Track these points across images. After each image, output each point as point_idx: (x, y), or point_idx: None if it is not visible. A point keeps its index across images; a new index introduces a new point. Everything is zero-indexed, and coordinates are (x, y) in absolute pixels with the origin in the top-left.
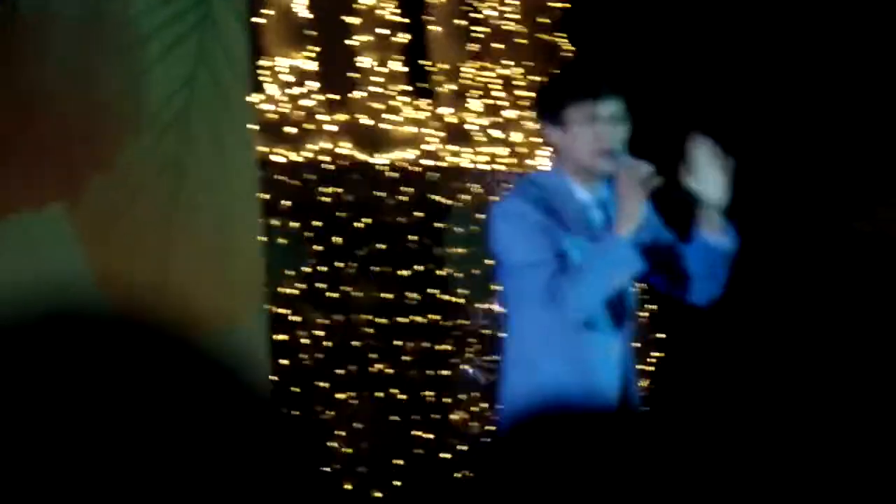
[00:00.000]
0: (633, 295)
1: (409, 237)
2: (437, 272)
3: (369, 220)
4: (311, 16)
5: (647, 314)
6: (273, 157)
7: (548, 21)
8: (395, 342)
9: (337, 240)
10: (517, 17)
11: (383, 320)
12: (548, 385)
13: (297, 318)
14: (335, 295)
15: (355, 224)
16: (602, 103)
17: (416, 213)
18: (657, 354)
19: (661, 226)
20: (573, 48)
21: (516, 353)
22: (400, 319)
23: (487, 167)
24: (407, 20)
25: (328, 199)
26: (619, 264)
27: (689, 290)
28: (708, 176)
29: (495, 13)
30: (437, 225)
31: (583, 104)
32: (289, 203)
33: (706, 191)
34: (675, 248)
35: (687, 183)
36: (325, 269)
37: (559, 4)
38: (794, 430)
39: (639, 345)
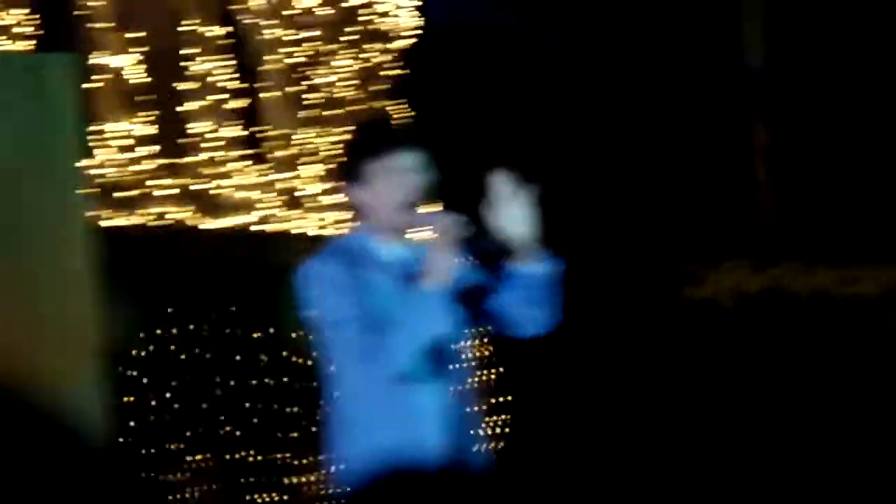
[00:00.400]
0: (452, 346)
1: (251, 300)
2: (287, 335)
3: (207, 284)
4: (143, 80)
5: (493, 376)
6: (106, 223)
7: (384, 87)
8: (245, 404)
9: (177, 304)
10: (353, 83)
11: (232, 382)
12: (372, 442)
13: (145, 380)
14: (183, 357)
15: (199, 288)
16: (399, 156)
17: (251, 277)
18: (504, 417)
19: (471, 269)
20: (412, 113)
21: (340, 413)
22: (250, 382)
23: (321, 231)
24: (243, 86)
25: (164, 263)
26: (430, 317)
27: (518, 323)
28: (511, 210)
29: (330, 80)
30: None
31: (382, 158)
32: (126, 267)
33: (510, 225)
34: (490, 288)
35: (492, 220)
36: (175, 331)
37: (394, 72)
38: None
39: (484, 406)
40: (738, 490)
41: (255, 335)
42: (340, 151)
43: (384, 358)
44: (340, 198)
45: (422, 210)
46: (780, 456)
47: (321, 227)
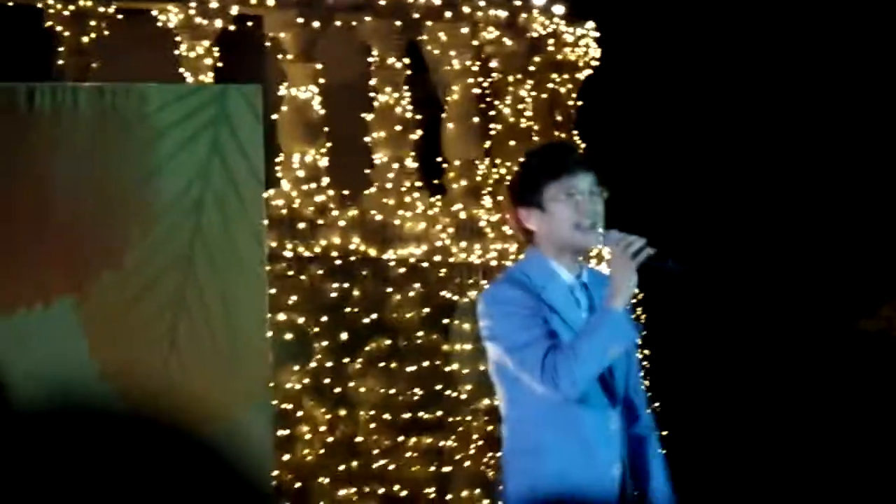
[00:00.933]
0: (622, 373)
1: (417, 333)
2: (444, 368)
3: (375, 316)
4: (324, 112)
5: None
6: (283, 252)
7: (561, 119)
8: (399, 438)
9: (343, 335)
10: (531, 114)
11: (387, 416)
12: (552, 465)
13: (300, 413)
14: (338, 390)
15: (363, 319)
16: (577, 178)
17: (424, 309)
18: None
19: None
20: (585, 145)
21: (518, 439)
22: (404, 415)
23: (496, 263)
24: (420, 116)
25: (335, 294)
26: (616, 336)
27: None
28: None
29: (510, 111)
30: (444, 321)
31: (558, 181)
32: (296, 298)
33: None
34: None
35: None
36: (330, 364)
37: (572, 103)
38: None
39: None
40: None
41: (409, 369)
42: (515, 177)
43: (567, 377)
44: (512, 225)
45: (599, 231)
46: None
47: (499, 258)
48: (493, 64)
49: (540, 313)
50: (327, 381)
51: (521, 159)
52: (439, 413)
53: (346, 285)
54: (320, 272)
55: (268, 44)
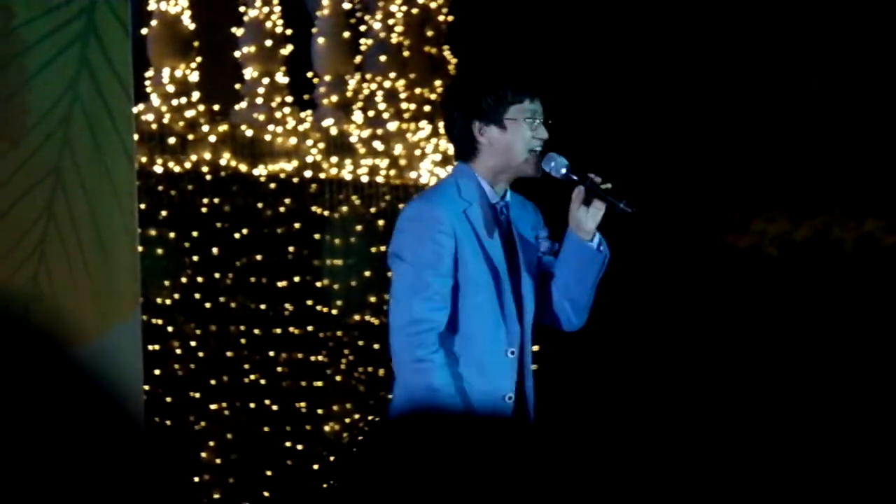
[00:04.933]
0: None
1: (288, 248)
2: (315, 283)
3: (246, 231)
4: (195, 27)
5: None
6: (153, 167)
7: (433, 34)
8: (270, 353)
9: (214, 250)
10: (402, 29)
11: (257, 331)
12: (441, 381)
13: (171, 328)
14: (209, 305)
15: (234, 234)
16: (536, 103)
17: (294, 224)
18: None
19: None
20: (456, 60)
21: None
22: (275, 330)
23: (367, 179)
24: (290, 31)
25: (206, 210)
26: (602, 266)
27: (567, 306)
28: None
29: (380, 25)
30: (315, 236)
31: (521, 103)
32: (166, 213)
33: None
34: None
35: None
36: (201, 279)
37: (443, 18)
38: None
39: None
40: (773, 447)
41: (279, 284)
42: (471, 90)
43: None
44: (455, 135)
45: (553, 159)
46: (821, 408)
47: (370, 174)
48: None
49: (451, 246)
50: (198, 296)
51: (481, 75)
52: (310, 328)
53: (216, 200)
54: (191, 187)
55: None
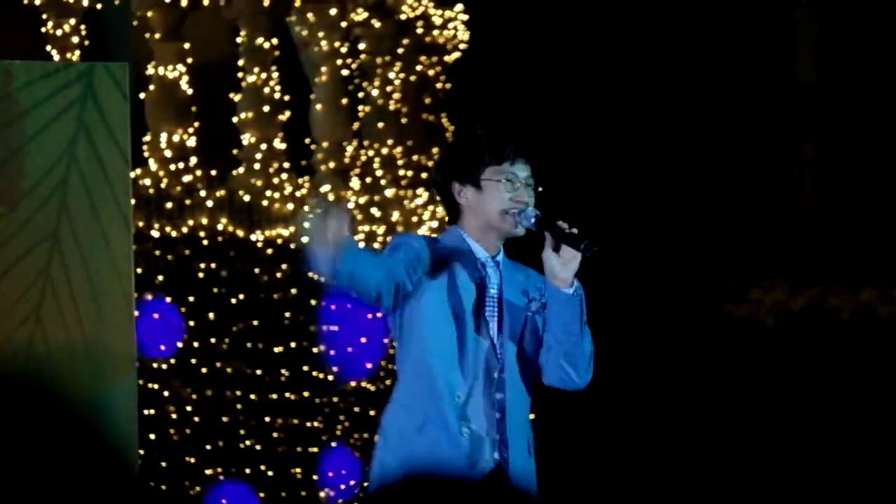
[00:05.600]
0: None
1: (285, 313)
2: (312, 349)
3: (243, 297)
4: (193, 92)
5: None
6: (150, 232)
7: (430, 101)
8: (266, 418)
9: (211, 315)
10: (400, 96)
11: (253, 396)
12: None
13: (167, 393)
14: (205, 370)
15: (230, 300)
16: (516, 165)
17: (291, 290)
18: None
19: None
20: (454, 127)
21: (396, 393)
22: (271, 396)
23: (363, 245)
24: (288, 97)
25: (203, 275)
26: (579, 309)
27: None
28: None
29: (378, 92)
30: (312, 302)
31: (499, 165)
32: (162, 278)
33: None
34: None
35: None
36: (197, 344)
37: (441, 85)
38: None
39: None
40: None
41: (276, 349)
42: (453, 152)
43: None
44: (441, 197)
45: (524, 211)
46: (823, 473)
47: (367, 241)
48: (362, 45)
49: (418, 260)
50: (194, 361)
51: (461, 136)
52: (306, 394)
53: (213, 265)
54: (188, 252)
55: (135, 22)
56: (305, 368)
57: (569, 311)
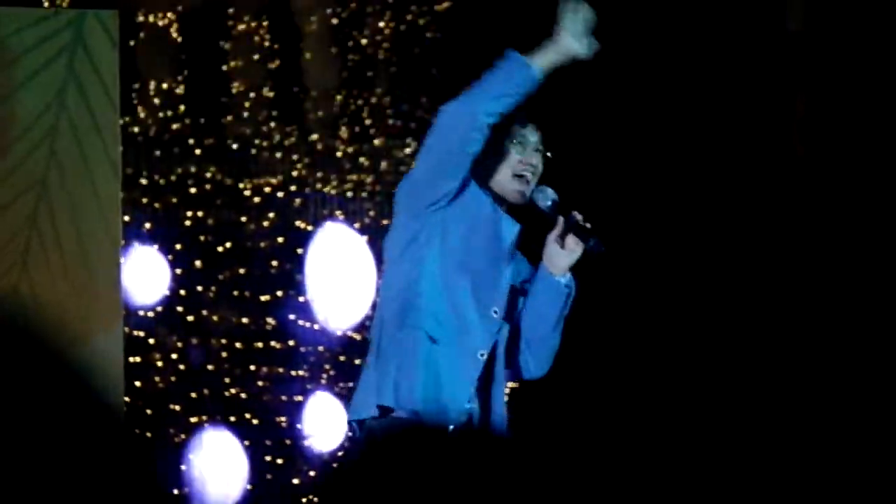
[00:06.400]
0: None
1: (271, 262)
2: (298, 298)
3: (230, 245)
4: (182, 39)
5: None
6: (139, 180)
7: (420, 51)
8: (251, 367)
9: (197, 263)
10: (389, 45)
11: (239, 345)
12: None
13: (153, 341)
14: (191, 318)
15: (217, 248)
16: (527, 129)
17: (278, 239)
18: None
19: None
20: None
21: (383, 354)
22: (256, 344)
23: (352, 194)
24: (278, 46)
25: (190, 223)
26: (565, 302)
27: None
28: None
29: (368, 41)
30: (299, 251)
31: (512, 128)
32: (150, 225)
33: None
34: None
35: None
36: (183, 292)
37: (431, 35)
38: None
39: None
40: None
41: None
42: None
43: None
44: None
45: (536, 189)
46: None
47: (355, 190)
48: None
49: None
50: (180, 308)
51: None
52: (291, 343)
53: (200, 213)
54: (174, 200)
55: None
56: (292, 317)
57: (550, 298)
